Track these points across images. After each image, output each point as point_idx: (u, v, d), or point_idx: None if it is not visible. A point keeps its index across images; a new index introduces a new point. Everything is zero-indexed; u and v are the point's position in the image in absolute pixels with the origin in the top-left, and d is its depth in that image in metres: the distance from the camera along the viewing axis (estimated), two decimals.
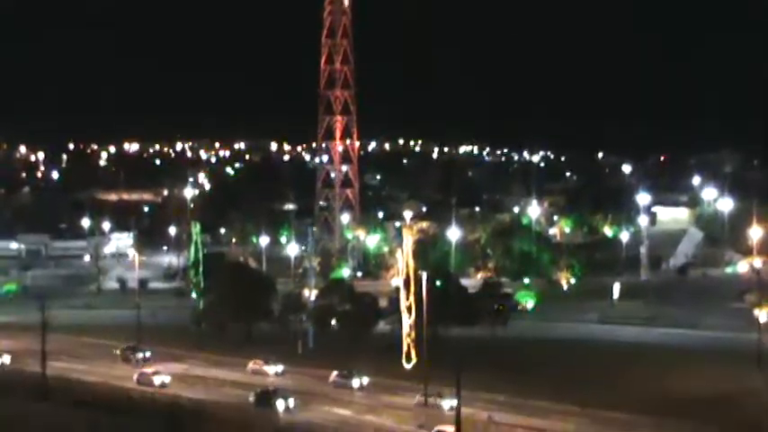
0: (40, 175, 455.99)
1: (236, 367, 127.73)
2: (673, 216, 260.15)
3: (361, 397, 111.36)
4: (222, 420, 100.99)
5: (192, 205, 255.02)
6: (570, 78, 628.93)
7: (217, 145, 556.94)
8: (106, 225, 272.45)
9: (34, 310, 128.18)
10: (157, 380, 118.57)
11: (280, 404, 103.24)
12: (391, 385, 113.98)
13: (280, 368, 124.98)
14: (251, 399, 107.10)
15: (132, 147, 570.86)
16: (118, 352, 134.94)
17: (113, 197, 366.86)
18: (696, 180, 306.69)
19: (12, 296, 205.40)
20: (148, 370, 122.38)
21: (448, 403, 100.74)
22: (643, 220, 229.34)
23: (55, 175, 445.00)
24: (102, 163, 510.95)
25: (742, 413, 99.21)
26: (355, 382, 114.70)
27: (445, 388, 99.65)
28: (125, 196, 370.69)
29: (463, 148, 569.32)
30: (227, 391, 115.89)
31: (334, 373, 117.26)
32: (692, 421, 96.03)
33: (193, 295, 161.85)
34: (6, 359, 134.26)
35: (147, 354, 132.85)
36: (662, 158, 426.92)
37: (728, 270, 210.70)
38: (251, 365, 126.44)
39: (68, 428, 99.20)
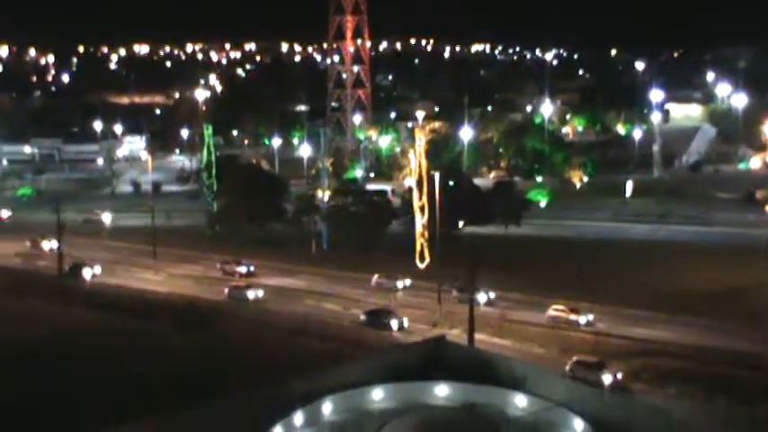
0: (50, 78, 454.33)
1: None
2: (686, 113, 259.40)
3: (376, 297, 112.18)
4: (235, 318, 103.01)
5: (203, 107, 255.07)
6: None
7: (227, 46, 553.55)
8: (118, 128, 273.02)
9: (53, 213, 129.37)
10: (251, 294, 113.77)
11: (393, 323, 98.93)
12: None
13: (252, 268, 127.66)
14: (362, 317, 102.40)
15: (143, 49, 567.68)
16: (218, 266, 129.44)
17: (125, 100, 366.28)
18: (710, 76, 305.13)
19: (26, 199, 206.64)
20: (242, 283, 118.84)
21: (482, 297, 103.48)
22: (656, 118, 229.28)
23: (65, 78, 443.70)
24: (113, 66, 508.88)
25: (753, 306, 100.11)
26: (399, 284, 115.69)
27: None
28: (136, 99, 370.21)
29: (475, 47, 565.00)
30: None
31: (375, 276, 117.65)
32: (704, 316, 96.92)
33: (206, 197, 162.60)
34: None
35: (252, 268, 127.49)
36: (675, 55, 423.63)
37: (741, 166, 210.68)
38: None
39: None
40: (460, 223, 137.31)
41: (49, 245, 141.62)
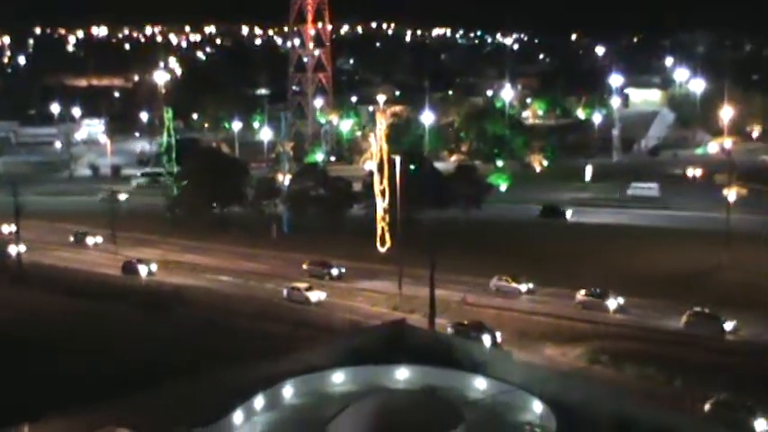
0: (6, 60, 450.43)
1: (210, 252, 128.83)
2: (645, 98, 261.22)
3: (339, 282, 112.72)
4: (200, 303, 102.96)
5: (163, 91, 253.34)
6: None
7: (187, 29, 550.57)
8: (76, 111, 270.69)
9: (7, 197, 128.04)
10: (314, 296, 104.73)
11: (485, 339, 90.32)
12: (367, 269, 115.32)
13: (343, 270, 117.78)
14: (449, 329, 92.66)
15: (101, 31, 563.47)
16: (305, 267, 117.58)
17: (83, 83, 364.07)
18: (669, 61, 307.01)
19: None
20: (301, 285, 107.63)
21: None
22: (615, 102, 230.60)
23: (22, 60, 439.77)
24: (71, 48, 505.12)
25: (707, 283, 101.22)
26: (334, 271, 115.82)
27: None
28: (95, 82, 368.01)
29: (436, 31, 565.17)
30: (208, 277, 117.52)
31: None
32: (661, 298, 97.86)
33: (166, 180, 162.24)
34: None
35: (343, 270, 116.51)
36: (635, 40, 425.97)
37: (699, 151, 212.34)
38: None
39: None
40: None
41: (93, 240, 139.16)
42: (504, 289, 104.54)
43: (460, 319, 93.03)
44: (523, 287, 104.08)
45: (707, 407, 72.29)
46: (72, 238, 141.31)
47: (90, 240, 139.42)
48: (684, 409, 71.93)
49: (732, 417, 70.97)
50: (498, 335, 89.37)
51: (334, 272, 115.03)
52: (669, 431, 67.09)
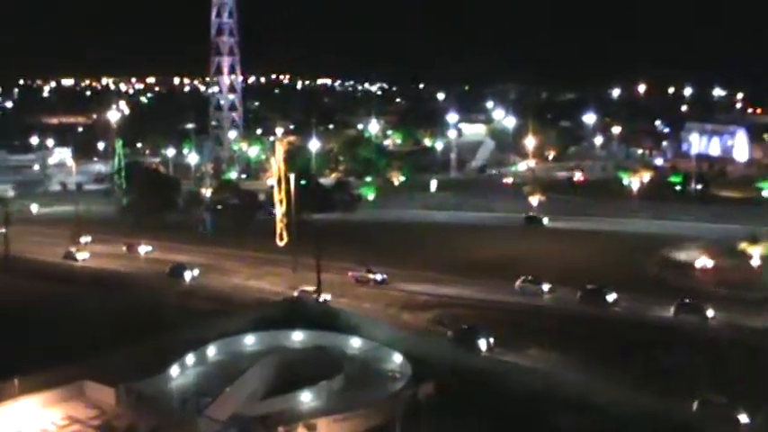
0: None
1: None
2: (473, 130, 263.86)
3: (249, 268, 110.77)
4: (139, 286, 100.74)
5: (115, 126, 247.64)
6: (397, 26, 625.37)
7: (133, 80, 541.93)
8: (50, 142, 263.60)
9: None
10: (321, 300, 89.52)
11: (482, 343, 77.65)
12: (271, 259, 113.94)
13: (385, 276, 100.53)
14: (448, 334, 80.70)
15: (69, 81, 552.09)
16: (352, 274, 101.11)
17: (55, 120, 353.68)
18: (490, 104, 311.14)
19: None
20: (310, 288, 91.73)
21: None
22: (452, 134, 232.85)
23: (9, 104, 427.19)
24: (46, 94, 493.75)
25: (519, 266, 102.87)
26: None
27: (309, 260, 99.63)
28: (64, 119, 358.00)
29: (320, 81, 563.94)
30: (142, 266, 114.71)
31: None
32: (487, 277, 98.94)
33: (117, 194, 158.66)
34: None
35: (385, 276, 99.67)
36: (466, 88, 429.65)
37: (512, 169, 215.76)
38: None
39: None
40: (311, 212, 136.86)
41: (145, 249, 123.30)
42: (361, 279, 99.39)
43: (340, 294, 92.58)
44: (379, 277, 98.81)
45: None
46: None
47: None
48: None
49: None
50: (492, 340, 76.76)
51: (378, 277, 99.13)
52: (488, 372, 68.04)
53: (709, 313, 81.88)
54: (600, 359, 70.97)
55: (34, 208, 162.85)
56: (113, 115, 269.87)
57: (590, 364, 70.16)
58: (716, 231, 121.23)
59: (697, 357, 69.75)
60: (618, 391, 63.63)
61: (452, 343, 75.78)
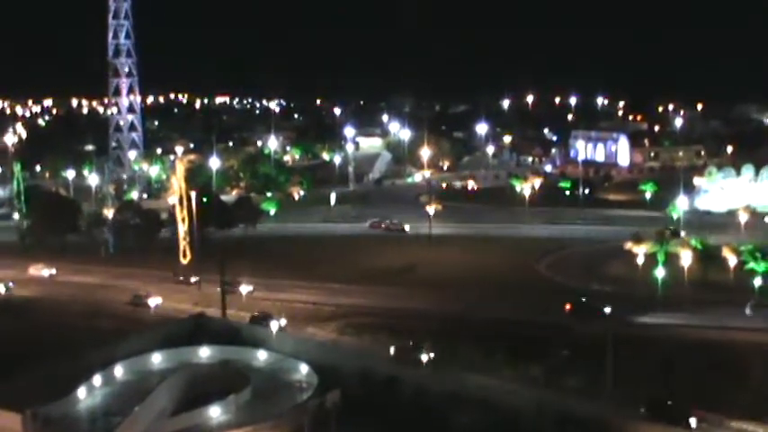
0: None
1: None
2: (370, 143, 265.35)
3: (152, 284, 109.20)
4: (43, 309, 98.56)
5: (13, 149, 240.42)
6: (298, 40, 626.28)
7: (30, 102, 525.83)
8: None
9: None
10: (273, 324, 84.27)
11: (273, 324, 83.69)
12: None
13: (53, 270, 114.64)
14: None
15: None
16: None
17: None
18: (385, 118, 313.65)
19: None
20: (260, 314, 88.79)
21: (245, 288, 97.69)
22: (350, 147, 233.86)
23: None
24: None
25: (419, 274, 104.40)
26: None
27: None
28: None
29: (219, 99, 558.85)
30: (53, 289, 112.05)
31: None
32: (387, 285, 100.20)
33: (17, 218, 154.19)
34: None
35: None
36: (361, 103, 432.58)
37: (409, 180, 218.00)
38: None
39: None
40: (211, 228, 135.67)
41: (48, 271, 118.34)
42: (235, 291, 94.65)
43: (249, 310, 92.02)
44: (245, 289, 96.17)
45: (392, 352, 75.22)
46: None
47: None
48: (405, 362, 74.25)
49: (411, 356, 74.18)
50: (283, 321, 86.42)
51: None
52: (395, 377, 69.37)
53: (607, 310, 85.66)
54: (496, 357, 72.93)
55: None
56: (10, 139, 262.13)
57: (489, 363, 72.01)
58: (604, 233, 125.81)
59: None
60: (514, 387, 65.84)
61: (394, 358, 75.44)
